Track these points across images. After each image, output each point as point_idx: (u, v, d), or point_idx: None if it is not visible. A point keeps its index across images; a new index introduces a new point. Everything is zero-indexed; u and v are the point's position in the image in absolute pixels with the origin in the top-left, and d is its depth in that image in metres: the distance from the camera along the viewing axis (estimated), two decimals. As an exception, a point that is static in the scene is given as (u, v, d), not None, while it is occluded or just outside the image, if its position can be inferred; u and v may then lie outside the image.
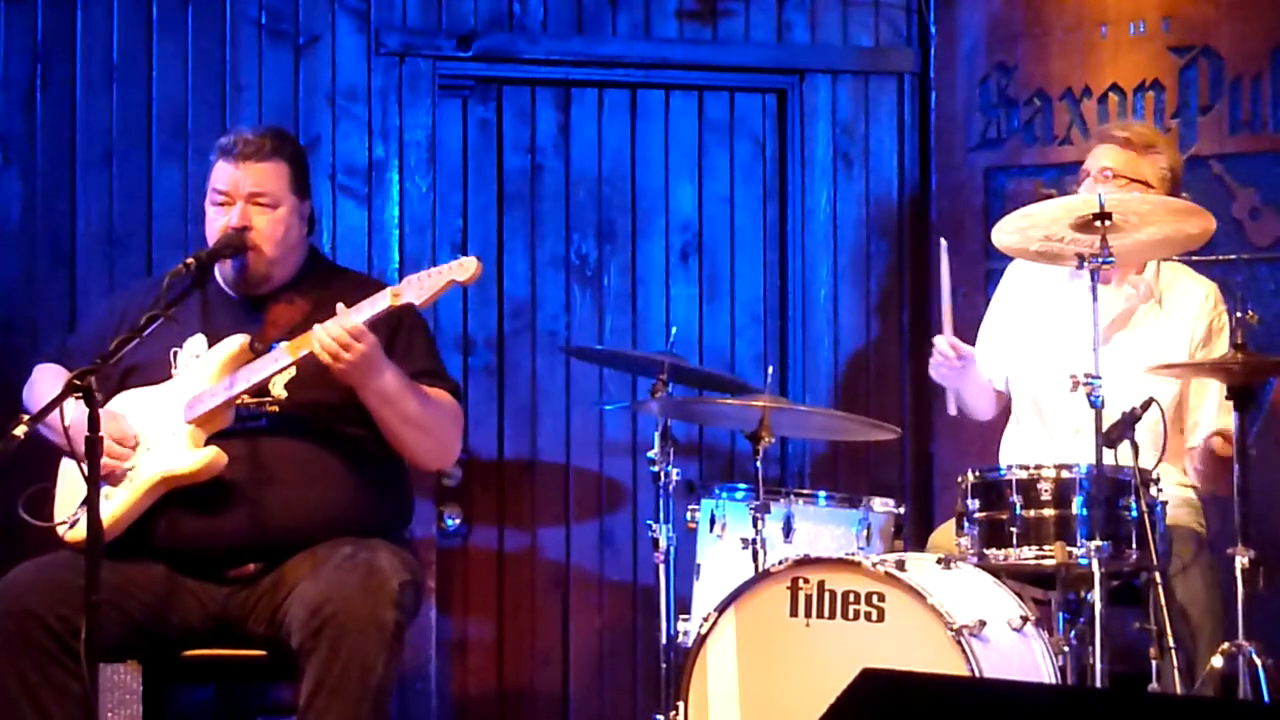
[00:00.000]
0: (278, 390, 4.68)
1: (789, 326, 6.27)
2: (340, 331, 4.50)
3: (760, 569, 4.74)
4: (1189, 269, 5.26)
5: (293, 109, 5.96)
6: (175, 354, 4.75)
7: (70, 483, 4.64)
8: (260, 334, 4.71)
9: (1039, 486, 4.65)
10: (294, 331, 4.67)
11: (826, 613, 4.55)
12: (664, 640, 5.02)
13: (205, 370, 4.67)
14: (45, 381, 4.82)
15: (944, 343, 5.17)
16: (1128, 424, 4.64)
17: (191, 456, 4.60)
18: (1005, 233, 4.84)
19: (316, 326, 4.54)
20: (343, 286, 4.83)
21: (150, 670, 4.74)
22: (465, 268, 4.52)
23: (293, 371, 4.65)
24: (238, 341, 4.68)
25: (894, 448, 6.05)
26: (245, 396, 4.64)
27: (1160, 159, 5.13)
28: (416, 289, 4.53)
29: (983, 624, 4.45)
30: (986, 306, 5.87)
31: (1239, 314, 4.67)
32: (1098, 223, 4.62)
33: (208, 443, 4.62)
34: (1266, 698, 4.48)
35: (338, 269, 5.10)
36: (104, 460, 4.49)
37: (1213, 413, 5.02)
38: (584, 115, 6.28)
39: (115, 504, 4.58)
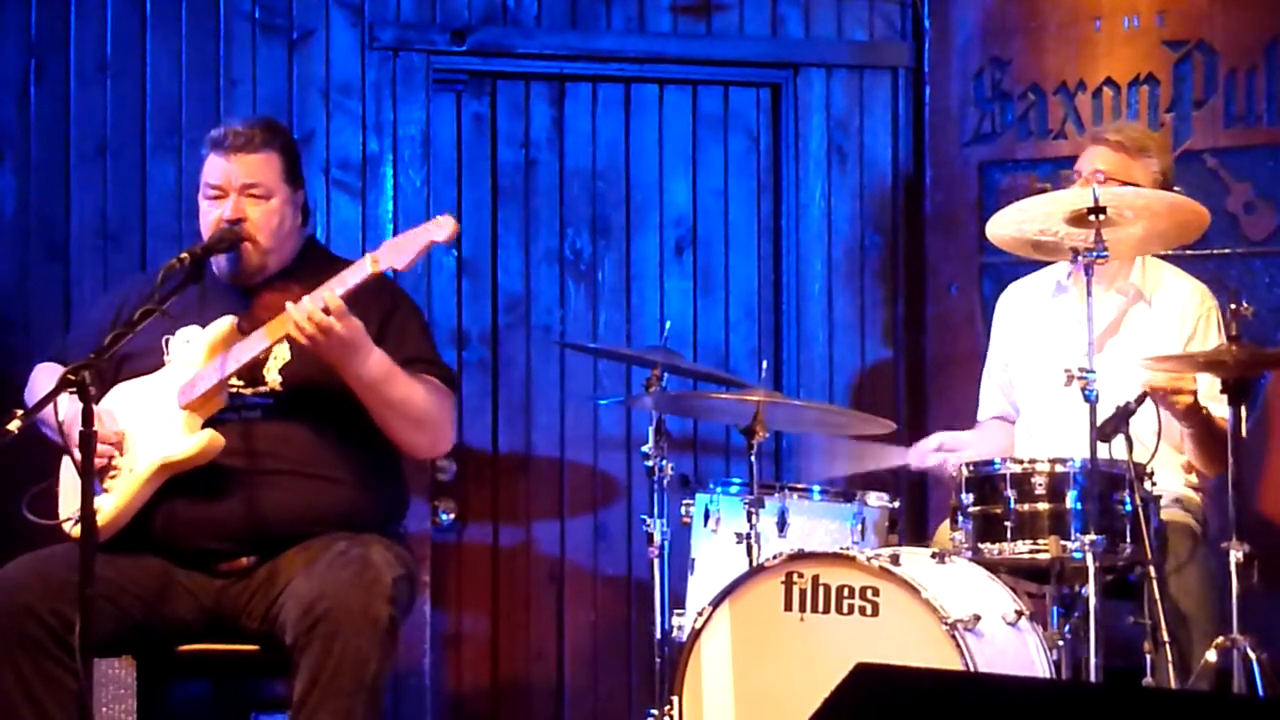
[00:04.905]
0: (273, 378, 4.67)
1: (783, 321, 6.27)
2: (318, 313, 4.47)
3: (754, 564, 4.73)
4: (1174, 267, 5.26)
5: (286, 103, 5.95)
6: (167, 341, 4.74)
7: (72, 480, 4.63)
8: (249, 315, 4.69)
9: (1033, 480, 4.65)
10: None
11: (821, 607, 4.55)
12: (658, 635, 5.02)
13: (195, 354, 4.65)
14: (44, 381, 4.82)
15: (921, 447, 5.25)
16: (1122, 418, 4.64)
17: (188, 441, 4.59)
18: (999, 227, 4.84)
19: (290, 304, 4.51)
20: (336, 273, 4.82)
21: (145, 665, 4.74)
22: (442, 226, 4.49)
23: (288, 358, 4.65)
24: (225, 323, 4.67)
25: (889, 442, 6.04)
26: (239, 383, 4.63)
27: (1152, 162, 5.14)
28: (396, 253, 4.50)
29: (977, 618, 4.45)
30: (980, 302, 5.88)
31: (1234, 306, 4.67)
32: (1092, 217, 4.62)
33: (204, 427, 4.61)
34: (1261, 692, 4.48)
35: (334, 257, 5.09)
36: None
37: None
38: (578, 109, 6.27)
39: (116, 496, 4.58)
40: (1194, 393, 4.86)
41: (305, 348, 4.54)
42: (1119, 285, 5.15)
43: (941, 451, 5.22)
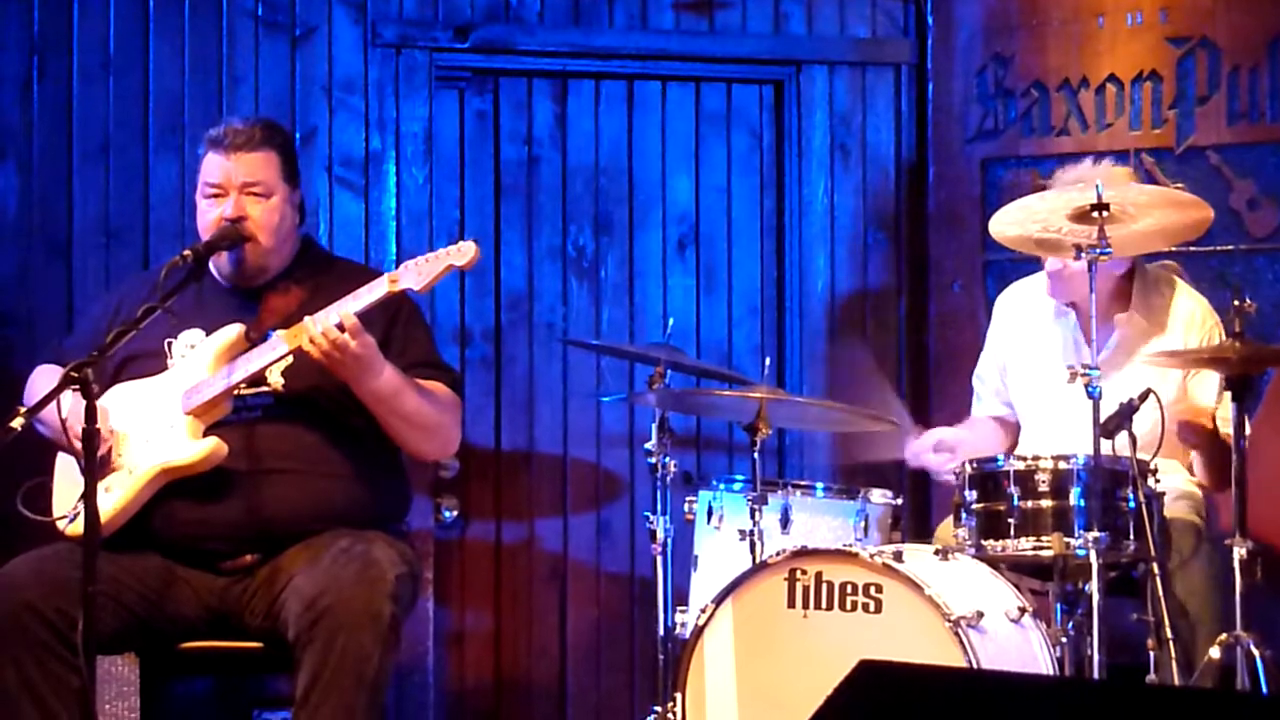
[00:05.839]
0: (274, 379, 4.68)
1: (786, 318, 6.26)
2: (334, 330, 4.49)
3: (757, 560, 4.73)
4: (1179, 282, 5.22)
5: (289, 101, 5.95)
6: (170, 344, 4.74)
7: (68, 476, 4.63)
8: (256, 323, 4.70)
9: (1036, 477, 4.65)
10: (290, 320, 4.65)
11: (824, 604, 4.55)
12: (661, 632, 5.01)
13: (202, 360, 4.66)
14: (43, 383, 4.81)
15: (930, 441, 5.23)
16: (1125, 415, 4.63)
17: (192, 448, 4.59)
18: (1003, 224, 4.83)
19: (308, 319, 4.52)
20: (338, 275, 4.83)
21: (147, 662, 4.74)
22: (464, 252, 4.50)
23: (290, 359, 4.65)
24: (234, 331, 4.68)
25: (891, 439, 6.03)
26: (242, 386, 4.64)
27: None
28: (415, 274, 4.52)
29: (980, 615, 4.45)
30: (983, 298, 5.88)
31: (1236, 303, 4.66)
32: (1095, 214, 4.61)
33: (207, 433, 4.61)
34: (1264, 689, 4.48)
35: (332, 257, 5.10)
36: None
37: (1210, 402, 5.00)
38: (581, 107, 6.27)
39: (115, 497, 4.58)
40: (1213, 417, 4.86)
41: (318, 362, 4.55)
42: (1118, 318, 5.12)
43: (939, 451, 5.20)
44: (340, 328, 4.50)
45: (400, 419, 4.67)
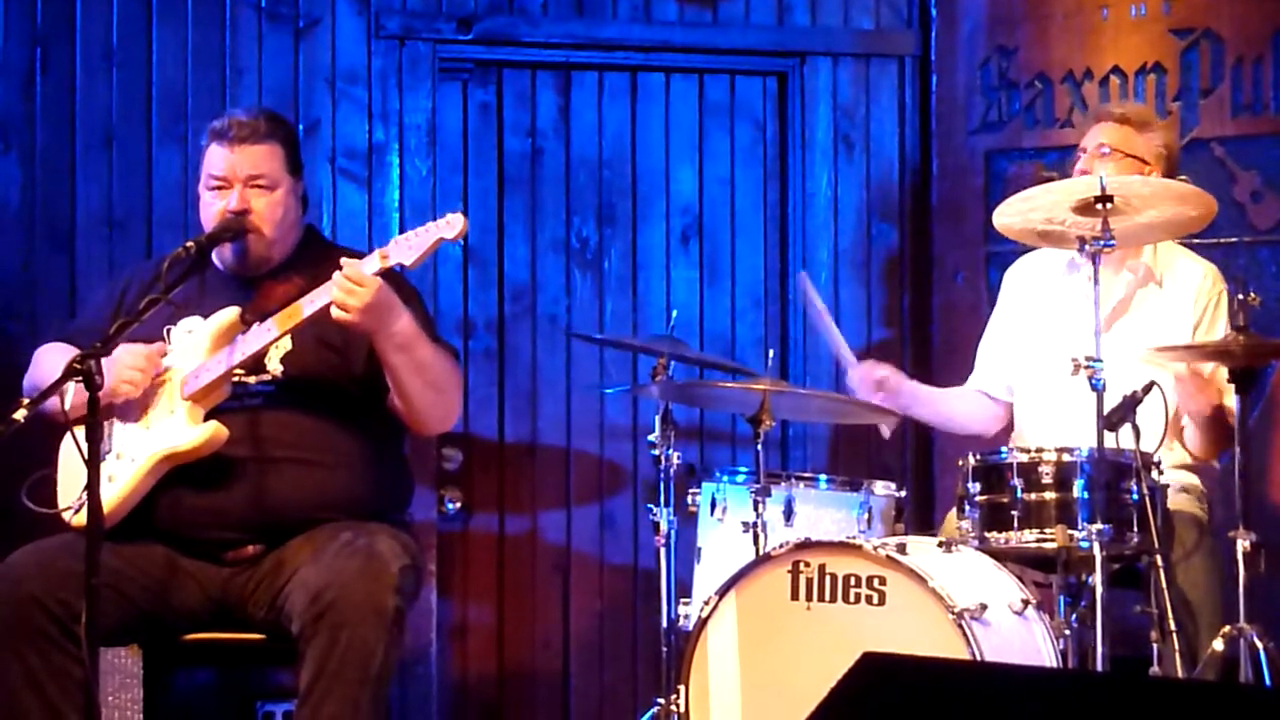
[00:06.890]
0: (273, 366, 4.67)
1: (790, 309, 6.26)
2: (344, 279, 4.48)
3: (761, 552, 4.73)
4: (1186, 249, 5.25)
5: (292, 92, 5.95)
6: (169, 331, 4.73)
7: (72, 467, 4.62)
8: (254, 309, 4.69)
9: (1040, 470, 4.64)
10: (288, 306, 4.63)
11: (827, 596, 4.55)
12: (665, 624, 5.02)
13: (199, 345, 4.65)
14: (49, 361, 4.81)
15: (866, 373, 5.26)
16: (1129, 407, 4.63)
17: (192, 432, 4.59)
18: (1006, 215, 4.83)
19: (336, 273, 4.49)
20: (338, 263, 4.81)
21: (151, 654, 4.75)
22: (452, 225, 4.48)
23: (289, 346, 4.64)
24: (230, 314, 4.67)
25: (895, 431, 6.04)
26: (241, 372, 4.63)
27: (1155, 137, 5.14)
28: (405, 249, 4.50)
29: (984, 607, 4.44)
30: (986, 290, 5.88)
31: (1241, 296, 4.66)
32: (1099, 205, 4.61)
33: (207, 418, 4.61)
34: (1268, 681, 4.48)
35: (334, 246, 5.08)
36: (134, 383, 4.55)
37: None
38: (584, 98, 6.27)
39: (118, 486, 4.57)
40: (1219, 391, 4.86)
41: (316, 343, 4.52)
42: (1130, 264, 5.14)
43: (881, 389, 5.24)
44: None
45: (416, 371, 4.61)
